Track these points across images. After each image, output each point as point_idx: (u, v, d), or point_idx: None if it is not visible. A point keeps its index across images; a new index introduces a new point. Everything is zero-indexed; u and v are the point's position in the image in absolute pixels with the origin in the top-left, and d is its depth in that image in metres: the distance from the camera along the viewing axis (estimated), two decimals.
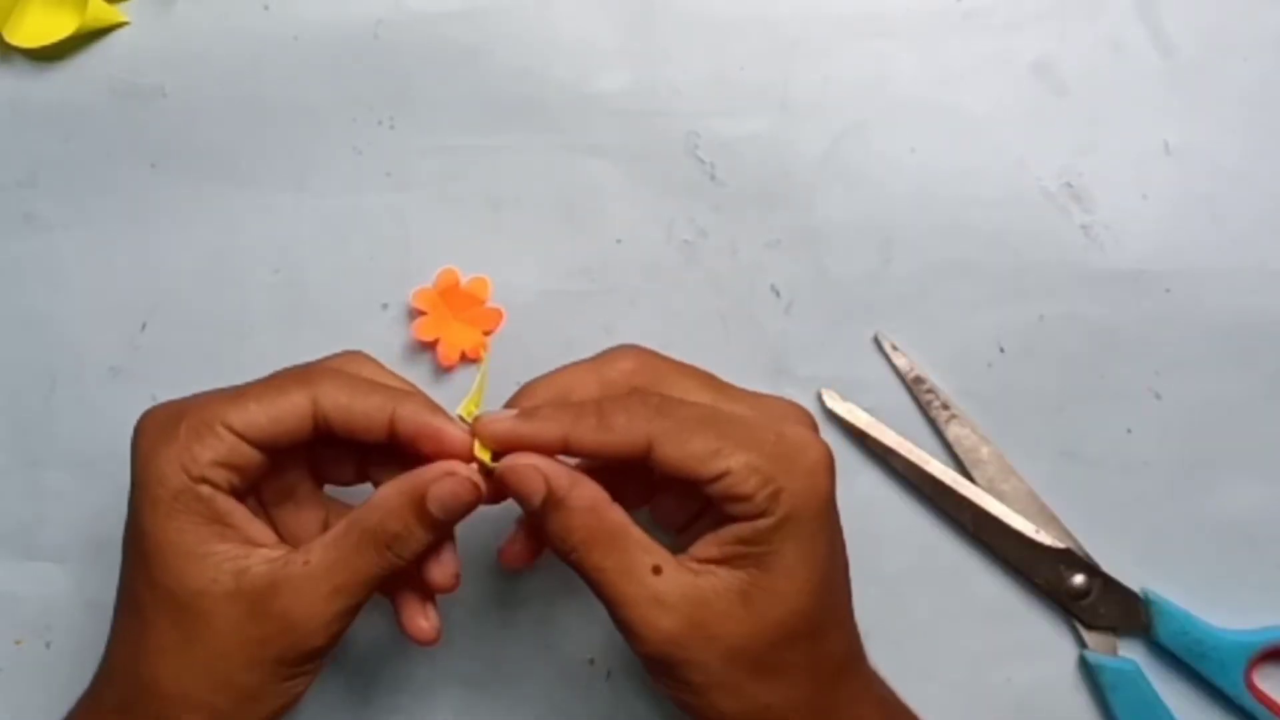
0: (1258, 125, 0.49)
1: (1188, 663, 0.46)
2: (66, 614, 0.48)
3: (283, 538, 0.40)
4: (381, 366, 0.41)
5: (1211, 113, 0.49)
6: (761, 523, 0.37)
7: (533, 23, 0.49)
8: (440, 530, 0.38)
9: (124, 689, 0.38)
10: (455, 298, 0.48)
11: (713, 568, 0.37)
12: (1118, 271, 0.48)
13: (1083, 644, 0.47)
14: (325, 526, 0.41)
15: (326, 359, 0.41)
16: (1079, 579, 0.47)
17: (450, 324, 0.48)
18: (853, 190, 0.49)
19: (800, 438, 0.38)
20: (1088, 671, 0.47)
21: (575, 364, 0.40)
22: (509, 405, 0.39)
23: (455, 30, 0.49)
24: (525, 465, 0.37)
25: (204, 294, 0.49)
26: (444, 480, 0.37)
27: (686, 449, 0.37)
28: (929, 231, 0.49)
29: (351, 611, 0.38)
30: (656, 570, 0.37)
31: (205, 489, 0.37)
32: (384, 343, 0.49)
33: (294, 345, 0.48)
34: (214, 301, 0.49)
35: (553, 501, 0.37)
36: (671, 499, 0.41)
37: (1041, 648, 0.48)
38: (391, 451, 0.39)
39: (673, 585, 0.37)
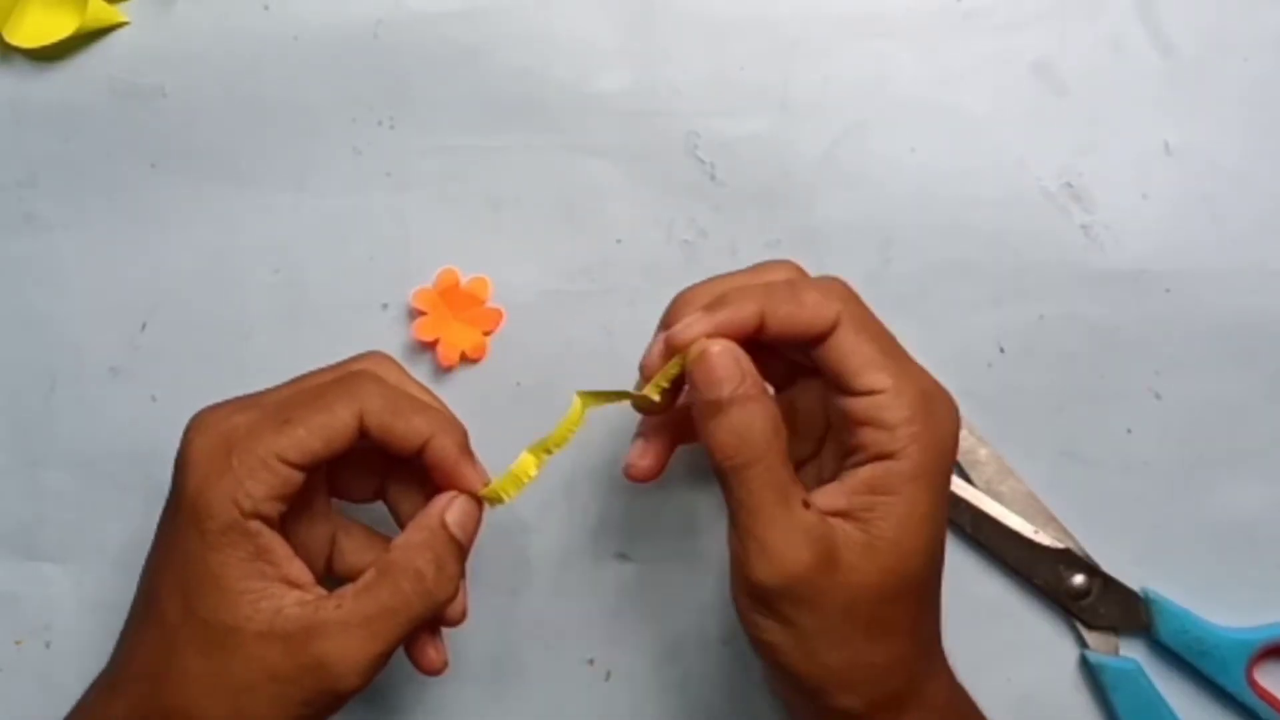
0: (1258, 125, 0.49)
1: (1189, 661, 0.46)
2: (66, 614, 0.48)
3: (294, 550, 0.39)
4: (406, 372, 0.41)
5: (1211, 113, 0.49)
6: (895, 465, 0.36)
7: (533, 23, 0.49)
8: (463, 556, 0.39)
9: (138, 703, 0.37)
10: (455, 298, 0.48)
11: (839, 520, 0.37)
12: (1118, 271, 0.48)
13: (1084, 644, 0.47)
14: (333, 542, 0.42)
15: (355, 360, 0.41)
16: (1079, 579, 0.47)
17: (450, 324, 0.48)
18: (853, 190, 0.49)
19: (943, 395, 0.38)
20: (1089, 671, 0.47)
21: (727, 274, 0.40)
22: (667, 319, 0.40)
23: (455, 30, 0.49)
24: (728, 351, 0.37)
25: (204, 294, 0.49)
26: (452, 505, 0.39)
27: (860, 347, 0.37)
28: (929, 231, 0.49)
29: (384, 657, 0.38)
30: (806, 505, 0.36)
31: (254, 524, 0.36)
32: (384, 343, 0.48)
33: (294, 345, 0.48)
34: (214, 301, 0.49)
35: (744, 397, 0.36)
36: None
37: (1042, 648, 0.48)
38: (412, 470, 0.41)
39: (816, 522, 0.36)
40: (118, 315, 0.49)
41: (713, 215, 0.49)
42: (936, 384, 0.38)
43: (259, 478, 0.36)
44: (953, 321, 0.48)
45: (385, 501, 0.43)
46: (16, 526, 0.49)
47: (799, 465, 0.40)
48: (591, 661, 0.48)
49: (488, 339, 0.48)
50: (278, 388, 0.40)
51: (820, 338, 0.37)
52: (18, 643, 0.49)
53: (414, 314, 0.48)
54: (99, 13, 0.49)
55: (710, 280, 0.40)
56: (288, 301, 0.49)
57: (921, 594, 0.38)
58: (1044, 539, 0.47)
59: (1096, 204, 0.48)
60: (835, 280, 0.39)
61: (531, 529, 0.48)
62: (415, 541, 0.38)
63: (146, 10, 0.50)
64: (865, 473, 0.37)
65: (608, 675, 0.48)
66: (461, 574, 0.39)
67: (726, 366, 0.36)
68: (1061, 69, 0.49)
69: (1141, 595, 0.47)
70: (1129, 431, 0.48)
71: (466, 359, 0.48)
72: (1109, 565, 0.47)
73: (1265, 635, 0.46)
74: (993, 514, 0.47)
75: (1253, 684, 0.46)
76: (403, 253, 0.49)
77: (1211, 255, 0.48)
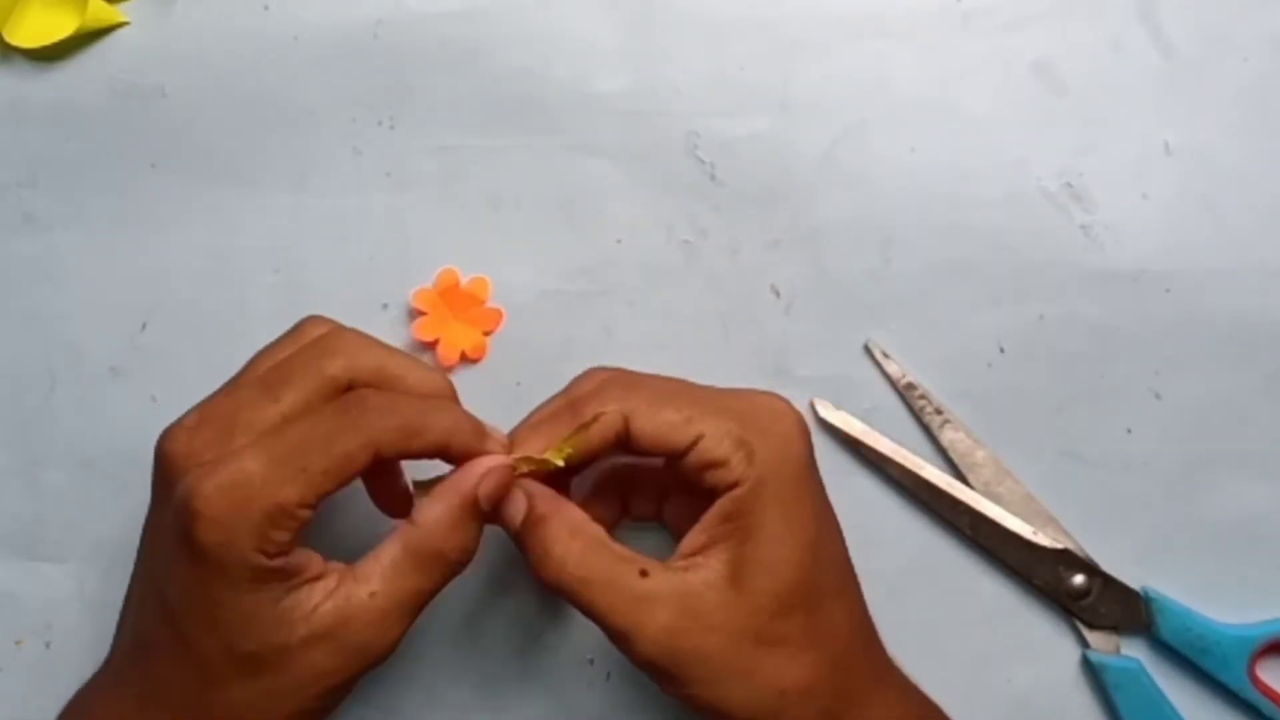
0: (1258, 125, 0.49)
1: (1190, 659, 0.46)
2: (66, 614, 0.48)
3: None
4: (374, 343, 0.40)
5: (1211, 113, 0.49)
6: (739, 491, 0.37)
7: (533, 23, 0.49)
8: (487, 521, 0.39)
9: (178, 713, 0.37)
10: (455, 298, 0.48)
11: (699, 560, 0.37)
12: (1118, 271, 0.48)
13: (1085, 644, 0.47)
14: None
15: (317, 346, 0.39)
16: (1079, 579, 0.47)
17: (450, 324, 0.48)
18: (853, 190, 0.49)
19: (770, 404, 0.39)
20: (1091, 671, 0.47)
21: (546, 401, 0.41)
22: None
23: (455, 30, 0.49)
24: (505, 485, 0.38)
25: (204, 294, 0.49)
26: (487, 478, 0.38)
27: (660, 418, 0.38)
28: (928, 231, 0.49)
29: (411, 625, 0.38)
30: (644, 573, 0.37)
31: (278, 560, 0.36)
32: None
33: None
34: (214, 301, 0.49)
35: (533, 520, 0.38)
36: (680, 505, 0.42)
37: (1042, 648, 0.48)
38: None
39: (661, 583, 0.37)
40: (118, 315, 0.49)
41: (713, 215, 0.49)
42: (762, 401, 0.39)
43: (283, 525, 0.36)
44: (953, 321, 0.48)
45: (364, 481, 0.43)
46: (16, 526, 0.49)
47: (675, 519, 0.42)
48: (591, 661, 0.48)
49: (488, 339, 0.48)
50: (247, 392, 0.38)
51: (619, 444, 0.38)
52: (18, 643, 0.49)
53: (414, 314, 0.48)
54: (99, 13, 0.49)
55: (531, 414, 0.41)
56: (288, 301, 0.49)
57: (810, 602, 0.38)
58: (1043, 539, 0.47)
59: (1096, 204, 0.48)
60: (608, 378, 0.40)
61: None
62: (444, 520, 0.38)
63: (146, 10, 0.50)
64: (716, 508, 0.38)
65: (608, 675, 0.48)
66: (481, 531, 0.39)
67: (514, 501, 0.39)
68: (1061, 69, 0.49)
69: (1142, 594, 0.47)
70: (1129, 431, 0.48)
71: (466, 359, 0.48)
72: (1109, 565, 0.47)
73: (1267, 631, 0.46)
74: (991, 515, 0.47)
75: (1255, 681, 0.46)
76: (403, 253, 0.49)
77: (1211, 255, 0.48)
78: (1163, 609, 0.47)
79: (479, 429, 0.39)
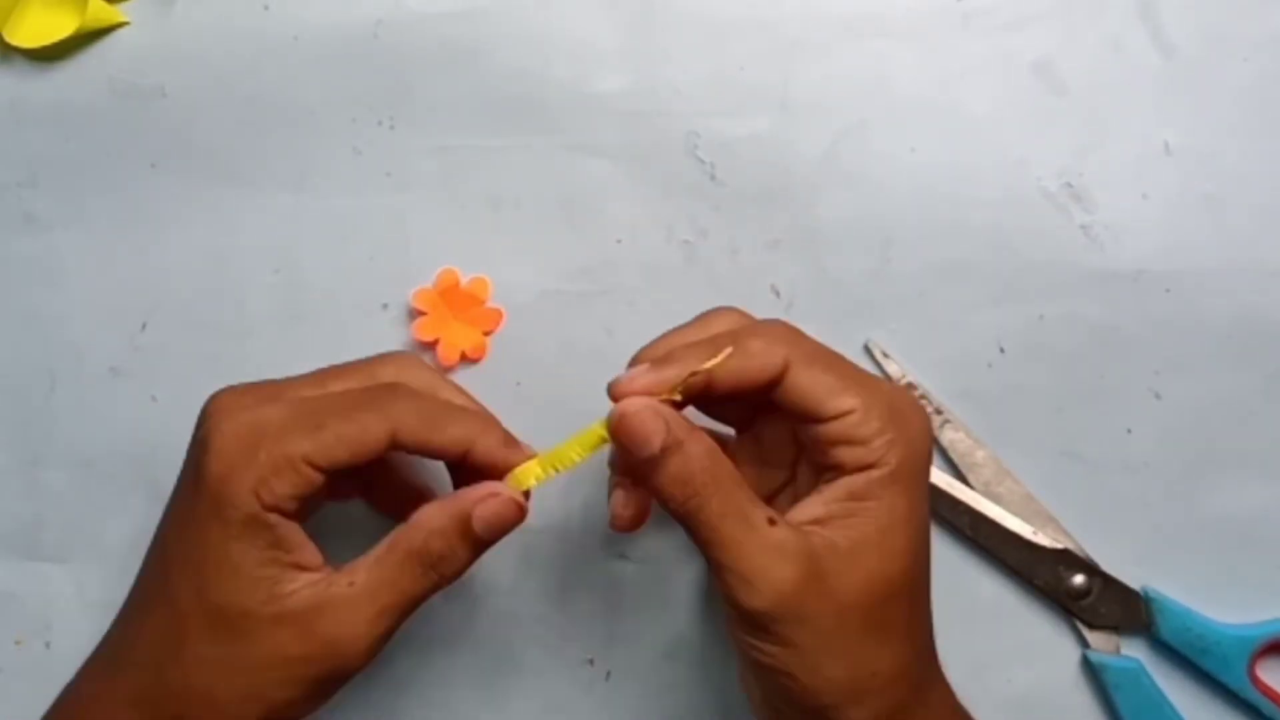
0: (1258, 125, 0.49)
1: (1190, 659, 0.46)
2: (66, 614, 0.48)
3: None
4: (435, 373, 0.41)
5: (1211, 113, 0.49)
6: (875, 473, 0.37)
7: (533, 23, 0.49)
8: (481, 550, 0.39)
9: (145, 685, 0.37)
10: (455, 298, 0.48)
11: (818, 529, 0.37)
12: (1118, 271, 0.48)
13: (1085, 644, 0.47)
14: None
15: (381, 361, 0.40)
16: (1079, 579, 0.47)
17: (450, 324, 0.48)
18: (853, 190, 0.49)
19: (908, 399, 0.39)
20: (1091, 671, 0.47)
21: (678, 327, 0.40)
22: (631, 366, 0.39)
23: (455, 30, 0.49)
24: (645, 408, 0.37)
25: (204, 294, 0.49)
26: (489, 501, 0.38)
27: (818, 379, 0.37)
28: (929, 231, 0.49)
29: (392, 631, 0.38)
30: (772, 522, 0.36)
31: (274, 517, 0.37)
32: (384, 343, 0.48)
33: (294, 345, 0.48)
34: (214, 301, 0.49)
35: (674, 444, 0.36)
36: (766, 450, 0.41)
37: (1042, 648, 0.48)
38: (394, 474, 0.42)
39: (790, 538, 0.36)
40: (118, 315, 0.49)
41: (713, 215, 0.49)
42: (902, 392, 0.39)
43: (285, 477, 0.36)
44: (953, 321, 0.48)
45: (366, 499, 0.43)
46: (16, 526, 0.49)
47: (773, 494, 0.41)
48: (591, 661, 0.48)
49: (488, 339, 0.48)
50: (303, 379, 0.40)
51: (772, 384, 0.37)
52: (18, 643, 0.49)
53: (414, 314, 0.48)
54: (99, 13, 0.49)
55: (662, 337, 0.40)
56: (288, 301, 0.49)
57: (913, 594, 0.38)
58: (1043, 539, 0.47)
59: (1096, 204, 0.48)
60: (778, 323, 0.39)
61: (531, 529, 0.48)
62: (433, 524, 0.38)
63: (146, 10, 0.50)
64: (844, 483, 0.37)
65: (608, 675, 0.48)
66: (472, 555, 0.39)
67: (646, 423, 0.36)
68: (1061, 69, 0.49)
69: (1142, 594, 0.47)
70: (1129, 431, 0.48)
71: (466, 359, 0.48)
72: (1109, 565, 0.47)
73: (1266, 631, 0.46)
74: (991, 515, 0.47)
75: (1255, 680, 0.46)
76: (403, 253, 0.49)
77: (1211, 255, 0.48)
78: (1163, 609, 0.47)
79: (508, 439, 0.39)
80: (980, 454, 0.48)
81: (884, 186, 0.49)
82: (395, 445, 0.38)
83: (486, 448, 0.39)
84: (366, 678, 0.48)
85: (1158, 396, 0.48)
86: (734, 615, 0.37)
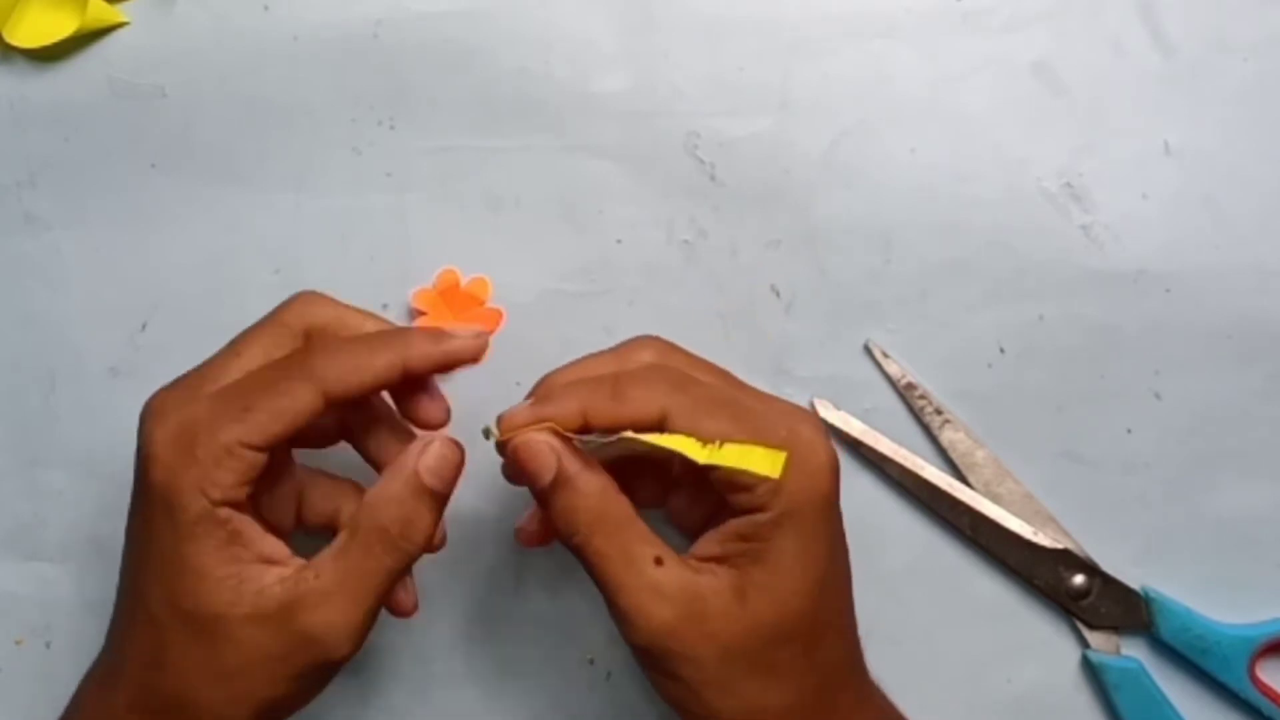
0: (1258, 125, 0.49)
1: (1191, 659, 0.46)
2: (66, 614, 0.48)
3: (262, 514, 0.39)
4: (334, 302, 0.41)
5: (1211, 113, 0.49)
6: (760, 517, 0.37)
7: (533, 23, 0.49)
8: (442, 505, 0.38)
9: (138, 694, 0.38)
10: (455, 298, 0.48)
11: (712, 566, 0.37)
12: (1118, 271, 0.48)
13: (1085, 644, 0.47)
14: (299, 496, 0.42)
15: (285, 309, 0.40)
16: (1079, 579, 0.47)
17: (450, 324, 0.48)
18: (853, 190, 0.49)
19: (809, 438, 0.38)
20: (1091, 671, 0.47)
21: (595, 353, 0.40)
22: (529, 396, 0.40)
23: (455, 30, 0.49)
24: (538, 441, 0.37)
25: (204, 294, 0.49)
26: (426, 452, 0.38)
27: (698, 428, 0.37)
28: (929, 231, 0.49)
29: (371, 616, 0.38)
30: (658, 561, 0.37)
31: (224, 511, 0.36)
32: None
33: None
34: (214, 301, 0.49)
35: (561, 480, 0.37)
36: (686, 498, 0.41)
37: (1042, 648, 0.48)
38: (372, 406, 0.41)
39: (672, 578, 0.37)
40: (118, 315, 0.49)
41: (713, 215, 0.49)
42: (796, 418, 0.38)
43: (225, 466, 0.36)
44: (953, 321, 0.48)
45: (350, 441, 0.42)
46: (16, 526, 0.49)
47: (706, 522, 0.40)
48: (592, 661, 0.48)
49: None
50: (221, 357, 0.39)
51: (655, 429, 0.37)
52: (18, 643, 0.49)
53: (414, 314, 0.48)
54: (99, 13, 0.49)
55: (573, 363, 0.40)
56: None
57: (810, 635, 0.38)
58: (1043, 540, 0.47)
59: (1096, 204, 0.48)
60: (665, 371, 0.39)
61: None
62: (385, 495, 0.38)
63: (146, 10, 0.50)
64: (732, 525, 0.37)
65: (608, 675, 0.48)
66: (438, 520, 0.38)
67: (536, 457, 0.37)
68: (1061, 69, 0.49)
69: (1142, 594, 0.47)
70: (1129, 431, 0.48)
71: None
72: (1109, 566, 0.47)
73: (1267, 631, 0.46)
74: (991, 516, 0.47)
75: (1255, 681, 0.46)
76: (403, 253, 0.49)
77: (1211, 255, 0.48)
78: (1163, 609, 0.47)
79: (436, 334, 0.39)
80: (980, 454, 0.48)
81: (884, 186, 0.49)
82: (330, 401, 0.37)
83: (422, 356, 0.38)
84: (367, 677, 0.48)
85: (1158, 396, 0.48)
86: (631, 649, 0.38)
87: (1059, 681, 0.48)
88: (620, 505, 0.38)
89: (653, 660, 0.37)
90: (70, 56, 0.50)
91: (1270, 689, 0.47)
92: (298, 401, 0.37)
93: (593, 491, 0.37)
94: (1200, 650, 0.46)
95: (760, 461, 0.36)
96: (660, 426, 0.37)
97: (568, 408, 0.37)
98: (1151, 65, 0.49)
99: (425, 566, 0.42)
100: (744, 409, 0.38)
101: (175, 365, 0.49)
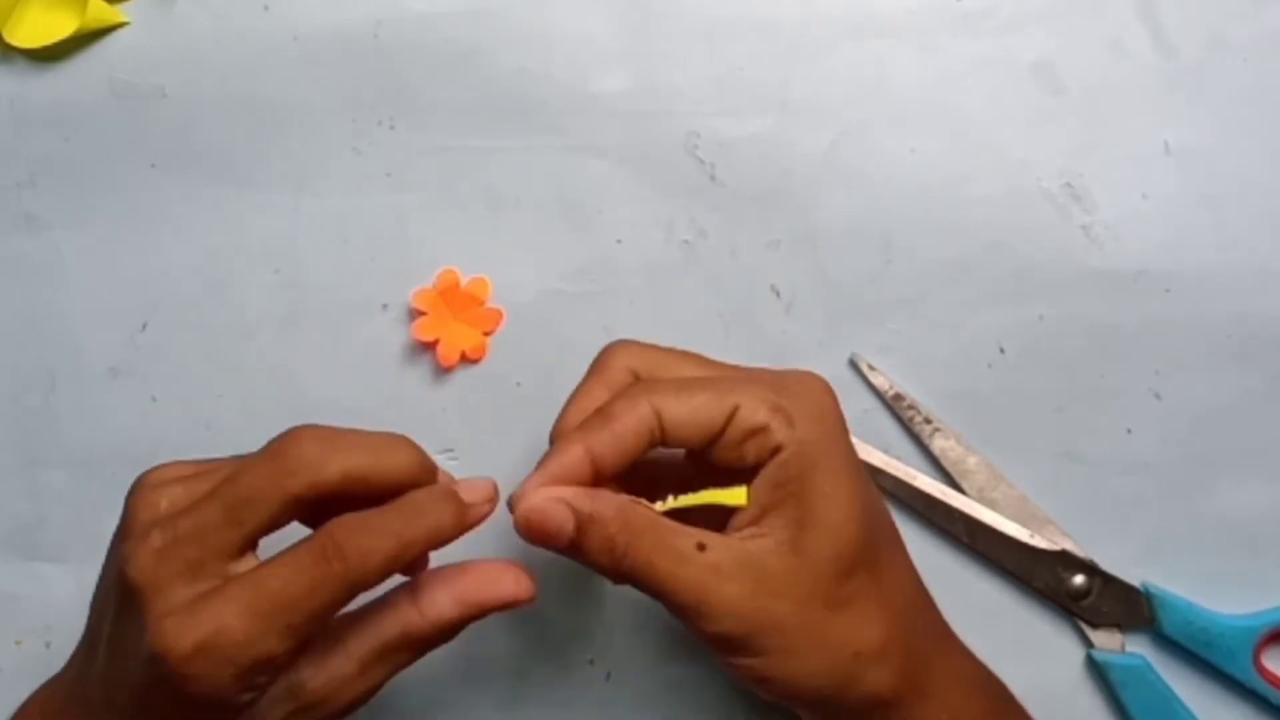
0: (1258, 125, 0.49)
1: (1195, 652, 0.46)
2: (66, 614, 0.48)
3: None
4: (339, 446, 0.37)
5: (1211, 113, 0.49)
6: (785, 454, 0.37)
7: (533, 23, 0.49)
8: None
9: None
10: (455, 298, 0.48)
11: (755, 530, 0.37)
12: (1118, 271, 0.48)
13: (1088, 644, 0.47)
14: None
15: (285, 460, 0.36)
16: (1079, 579, 0.47)
17: (450, 324, 0.48)
18: (853, 190, 0.49)
19: (798, 375, 0.38)
20: (1096, 671, 0.47)
21: (581, 384, 0.40)
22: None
23: (455, 30, 0.49)
24: (543, 504, 0.37)
25: (204, 294, 0.49)
26: (503, 579, 0.38)
27: (692, 403, 0.37)
28: (928, 231, 0.49)
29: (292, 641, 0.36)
30: (701, 547, 0.36)
31: (247, 696, 0.36)
32: (384, 343, 0.49)
33: (294, 345, 0.48)
34: (214, 301, 0.49)
35: (583, 521, 0.37)
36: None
37: (1044, 650, 0.48)
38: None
39: (724, 555, 0.36)
40: (118, 315, 0.49)
41: (713, 215, 0.49)
42: (778, 371, 0.39)
43: (268, 673, 0.35)
44: (953, 321, 0.48)
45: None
46: (16, 526, 0.49)
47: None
48: (592, 661, 0.48)
49: (488, 339, 0.48)
50: (208, 508, 0.36)
51: (652, 443, 0.37)
52: (18, 643, 0.49)
53: (414, 314, 0.48)
54: (99, 13, 0.49)
55: (572, 401, 0.39)
56: (288, 301, 0.49)
57: (873, 560, 0.38)
58: (1040, 542, 0.47)
59: (1096, 204, 0.48)
60: (624, 357, 0.39)
61: None
62: (290, 573, 0.35)
63: (146, 10, 0.50)
64: (765, 475, 0.37)
65: (608, 675, 0.48)
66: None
67: (550, 519, 0.37)
68: (1061, 69, 0.49)
69: (1143, 590, 0.47)
70: (1129, 431, 0.48)
71: (466, 359, 0.48)
72: (1110, 566, 0.47)
73: (1271, 620, 0.46)
74: (987, 521, 0.47)
75: (1261, 670, 0.46)
76: (403, 253, 0.49)
77: (1211, 255, 0.48)
78: (1165, 604, 0.47)
79: (459, 511, 0.38)
80: (972, 460, 0.48)
81: (884, 186, 0.49)
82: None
83: (453, 526, 0.37)
84: None
85: (1158, 396, 0.48)
86: (706, 644, 0.37)
87: (1064, 683, 0.48)
88: (643, 511, 0.37)
89: (734, 644, 0.36)
90: (70, 56, 0.50)
91: (1277, 677, 0.46)
92: (338, 605, 0.35)
93: (615, 515, 0.37)
94: (1204, 643, 0.46)
95: (734, 497, 0.37)
96: (655, 421, 0.37)
97: (575, 462, 0.37)
98: (1151, 65, 0.49)
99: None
100: (725, 374, 0.38)
101: (175, 365, 0.49)
